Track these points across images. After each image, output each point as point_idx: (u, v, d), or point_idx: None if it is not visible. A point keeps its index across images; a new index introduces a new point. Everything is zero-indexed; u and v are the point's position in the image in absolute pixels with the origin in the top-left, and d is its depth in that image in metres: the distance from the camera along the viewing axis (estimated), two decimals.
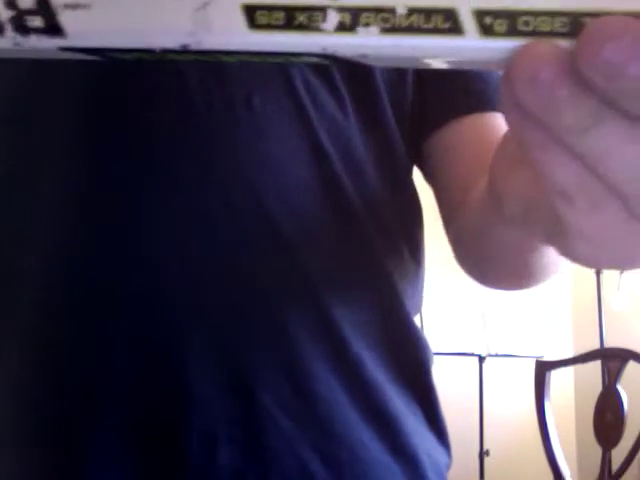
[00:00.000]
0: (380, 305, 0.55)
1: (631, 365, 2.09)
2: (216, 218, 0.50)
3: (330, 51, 0.23)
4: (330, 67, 0.55)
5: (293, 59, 0.24)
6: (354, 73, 0.56)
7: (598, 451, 2.11)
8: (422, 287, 0.62)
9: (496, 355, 2.86)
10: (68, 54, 0.25)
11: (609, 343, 2.80)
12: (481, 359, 2.84)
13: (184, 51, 0.24)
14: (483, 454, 2.71)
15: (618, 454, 2.06)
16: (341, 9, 0.23)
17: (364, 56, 0.23)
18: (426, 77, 0.60)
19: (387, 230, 0.57)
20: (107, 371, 0.49)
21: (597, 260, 0.28)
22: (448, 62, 0.24)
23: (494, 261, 0.52)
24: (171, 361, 0.49)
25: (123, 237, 0.50)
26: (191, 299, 0.49)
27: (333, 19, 0.23)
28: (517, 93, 0.22)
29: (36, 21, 0.24)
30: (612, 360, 2.14)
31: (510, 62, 0.22)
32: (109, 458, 0.48)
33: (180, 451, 0.48)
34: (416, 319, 0.59)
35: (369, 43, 0.23)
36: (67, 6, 0.24)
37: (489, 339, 2.84)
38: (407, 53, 0.23)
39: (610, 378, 2.13)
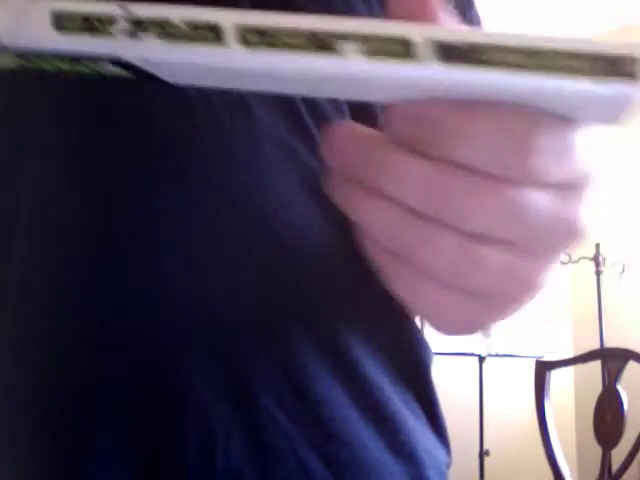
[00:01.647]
0: (378, 305, 0.55)
1: (631, 365, 2.09)
2: (218, 225, 0.50)
3: (118, 55, 0.27)
4: None
5: (95, 66, 0.28)
6: None
7: (598, 451, 2.11)
8: None
9: (496, 355, 2.86)
10: None
11: (609, 343, 2.80)
12: (481, 359, 2.85)
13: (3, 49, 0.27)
14: (483, 454, 2.71)
15: (618, 454, 2.06)
16: (127, 18, 0.26)
17: (148, 62, 0.27)
18: None
19: None
20: (104, 373, 0.49)
21: (442, 331, 0.31)
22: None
23: None
24: (168, 361, 0.48)
25: (122, 246, 0.50)
26: (190, 301, 0.49)
27: (122, 25, 0.26)
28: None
29: None
30: (612, 360, 2.14)
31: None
32: (107, 459, 0.48)
33: (178, 452, 0.47)
34: (416, 319, 0.59)
35: (151, 49, 0.27)
36: None
37: (489, 339, 2.84)
38: (183, 60, 0.27)
39: (610, 378, 2.13)
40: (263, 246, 0.51)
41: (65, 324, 0.50)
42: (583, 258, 2.89)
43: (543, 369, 2.15)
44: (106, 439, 0.48)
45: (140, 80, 0.29)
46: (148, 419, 0.48)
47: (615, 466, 2.07)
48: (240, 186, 0.51)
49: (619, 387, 2.09)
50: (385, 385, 0.54)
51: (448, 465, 0.58)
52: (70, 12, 0.27)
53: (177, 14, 0.26)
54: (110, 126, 0.51)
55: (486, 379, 2.87)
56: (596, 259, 2.87)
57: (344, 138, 0.28)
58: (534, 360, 2.22)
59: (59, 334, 0.51)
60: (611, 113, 0.27)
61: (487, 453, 2.71)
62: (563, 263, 2.93)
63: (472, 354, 2.84)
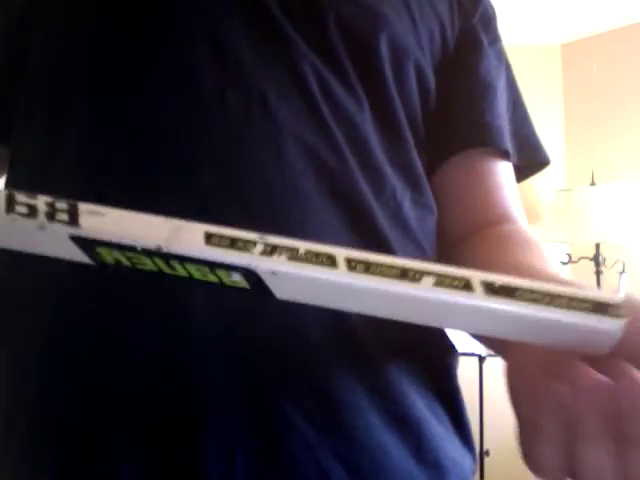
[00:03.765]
0: None
1: None
2: (234, 223, 0.49)
3: (252, 266, 0.34)
4: (344, 65, 0.54)
5: (223, 276, 0.35)
6: (367, 68, 0.55)
7: None
8: None
9: (496, 355, 2.85)
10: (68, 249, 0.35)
11: None
12: (481, 359, 2.84)
13: (157, 252, 0.34)
14: (483, 454, 2.71)
15: None
16: (264, 243, 0.35)
17: (274, 273, 0.35)
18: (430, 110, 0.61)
19: (406, 230, 0.56)
20: (122, 380, 0.48)
21: None
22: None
23: None
24: (187, 366, 0.48)
25: None
26: (208, 305, 0.48)
27: (259, 247, 0.35)
28: None
29: (63, 216, 0.34)
30: None
31: None
32: (125, 469, 0.47)
33: (197, 459, 0.47)
34: None
35: (277, 265, 0.35)
36: (89, 212, 0.34)
37: None
38: (304, 273, 0.35)
39: None
40: None
41: (77, 336, 0.50)
42: (583, 258, 2.89)
43: None
44: (121, 450, 0.48)
45: (252, 291, 0.36)
46: (164, 426, 0.48)
47: None
48: (259, 186, 0.50)
49: None
50: (408, 390, 0.53)
51: (473, 471, 0.57)
52: (221, 233, 0.35)
53: (302, 245, 0.35)
54: (123, 124, 0.51)
55: (486, 379, 2.86)
56: (596, 259, 2.87)
57: None
58: None
59: (70, 346, 0.50)
60: (598, 345, 0.35)
61: (487, 453, 2.71)
62: (563, 263, 2.93)
63: (472, 354, 2.83)
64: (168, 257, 0.34)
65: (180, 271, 0.35)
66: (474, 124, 0.63)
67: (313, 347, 0.49)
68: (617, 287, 2.90)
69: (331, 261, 0.34)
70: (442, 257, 0.61)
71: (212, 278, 0.35)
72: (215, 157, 0.50)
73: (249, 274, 0.35)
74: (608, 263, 2.91)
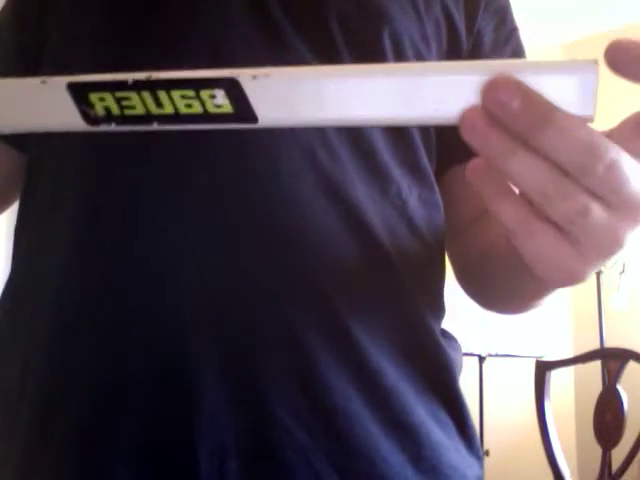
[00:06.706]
0: (399, 312, 0.54)
1: (631, 365, 2.09)
2: (234, 231, 0.49)
3: (235, 75, 0.35)
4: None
5: (207, 102, 0.36)
6: None
7: (598, 451, 2.11)
8: (443, 288, 0.60)
9: (496, 355, 2.85)
10: None
11: (609, 343, 2.80)
12: (481, 359, 2.84)
13: (147, 80, 0.35)
14: (483, 454, 2.71)
15: (618, 454, 2.06)
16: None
17: (255, 77, 0.35)
18: None
19: (412, 228, 0.56)
20: (118, 383, 0.49)
21: (550, 278, 0.36)
22: None
23: (502, 295, 0.58)
24: (182, 373, 0.48)
25: (138, 251, 0.50)
26: (205, 312, 0.48)
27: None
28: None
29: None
30: (612, 360, 2.14)
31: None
32: (120, 471, 0.47)
33: (190, 464, 0.47)
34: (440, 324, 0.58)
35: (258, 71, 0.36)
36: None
37: (489, 339, 2.84)
38: None
39: (610, 378, 2.13)
40: (278, 250, 0.50)
41: (77, 339, 0.50)
42: None
43: (543, 369, 2.15)
44: (116, 453, 0.48)
45: (237, 117, 0.35)
46: (159, 431, 0.48)
47: (615, 466, 2.07)
48: (255, 188, 0.50)
49: (619, 387, 2.09)
50: (408, 396, 0.52)
51: (480, 478, 0.56)
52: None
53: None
54: (120, 133, 0.51)
55: (486, 379, 2.86)
56: None
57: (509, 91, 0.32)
58: (534, 360, 2.22)
59: (71, 349, 0.50)
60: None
61: (487, 453, 2.70)
62: None
63: (472, 354, 2.83)
64: (156, 86, 0.35)
65: (167, 106, 0.35)
66: None
67: (307, 352, 0.49)
68: (617, 287, 2.90)
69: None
70: (452, 242, 0.61)
71: (196, 107, 0.35)
72: (211, 159, 0.50)
73: (232, 87, 0.35)
74: (608, 263, 2.91)
